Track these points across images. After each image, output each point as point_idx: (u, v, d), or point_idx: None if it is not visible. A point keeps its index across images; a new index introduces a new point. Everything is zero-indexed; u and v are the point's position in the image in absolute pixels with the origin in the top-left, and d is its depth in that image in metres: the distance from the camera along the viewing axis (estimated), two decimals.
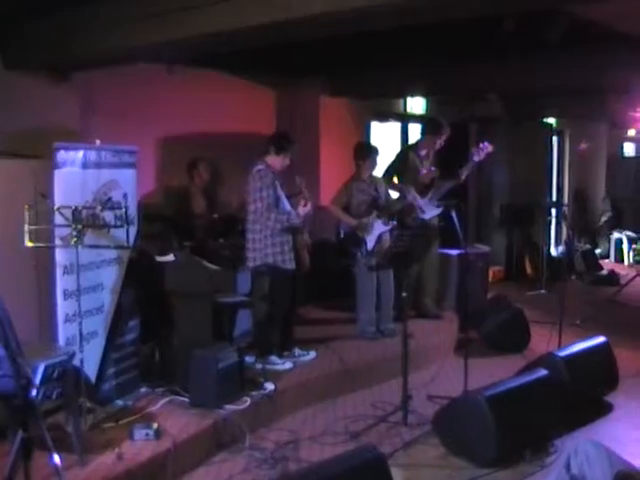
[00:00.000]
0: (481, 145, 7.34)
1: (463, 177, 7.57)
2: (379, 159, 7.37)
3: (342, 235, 7.29)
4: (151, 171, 7.52)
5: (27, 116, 6.02)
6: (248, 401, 5.39)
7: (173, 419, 5.01)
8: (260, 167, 6.11)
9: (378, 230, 7.10)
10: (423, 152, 7.86)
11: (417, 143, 8.13)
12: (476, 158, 7.36)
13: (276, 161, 6.21)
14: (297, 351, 6.50)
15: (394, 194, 7.74)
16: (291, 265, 6.17)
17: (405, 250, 5.51)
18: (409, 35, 6.10)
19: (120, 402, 5.24)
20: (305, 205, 6.03)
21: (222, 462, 4.86)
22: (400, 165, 7.85)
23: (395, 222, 7.22)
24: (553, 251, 13.37)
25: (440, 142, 7.76)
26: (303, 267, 6.46)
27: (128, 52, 5.65)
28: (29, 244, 4.50)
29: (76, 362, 4.49)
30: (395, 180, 7.81)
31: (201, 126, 7.91)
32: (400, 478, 4.59)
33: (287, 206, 6.20)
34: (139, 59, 6.36)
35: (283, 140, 6.28)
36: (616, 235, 14.04)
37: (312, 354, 6.54)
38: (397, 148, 10.50)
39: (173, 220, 7.09)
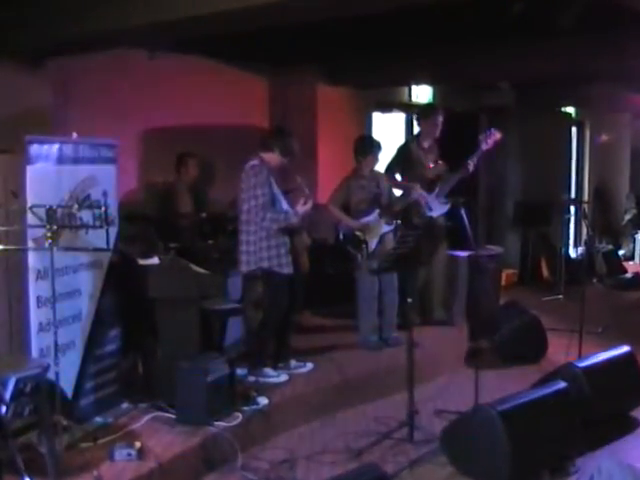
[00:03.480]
0: (488, 132, 7.35)
1: (471, 168, 7.55)
2: (382, 154, 7.35)
3: (341, 236, 7.27)
4: (133, 167, 7.51)
5: None
6: (240, 417, 5.37)
7: (157, 437, 4.98)
8: (254, 163, 6.08)
9: (380, 230, 7.08)
10: (426, 143, 7.86)
11: (418, 135, 8.13)
12: (484, 147, 7.37)
13: (274, 158, 6.18)
14: (293, 362, 6.48)
15: (397, 191, 7.73)
16: (288, 269, 6.14)
17: (410, 252, 5.49)
18: (414, 18, 6.09)
19: (99, 419, 5.21)
20: (305, 203, 6.00)
21: None
22: (402, 160, 7.84)
23: (399, 221, 7.20)
24: (572, 252, 13.36)
25: (438, 127, 7.76)
26: (302, 271, 6.43)
27: (107, 36, 5.66)
28: None
29: (50, 376, 4.47)
30: (398, 176, 7.80)
31: (187, 118, 7.89)
32: None
33: (284, 205, 6.17)
34: (119, 43, 6.35)
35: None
36: None
37: (309, 366, 6.53)
38: (402, 141, 10.49)
39: (157, 220, 7.08)
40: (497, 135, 7.34)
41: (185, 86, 7.87)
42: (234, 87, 8.51)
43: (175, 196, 7.52)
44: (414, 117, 9.15)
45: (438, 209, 7.64)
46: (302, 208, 6.00)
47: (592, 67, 8.36)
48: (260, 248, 6.04)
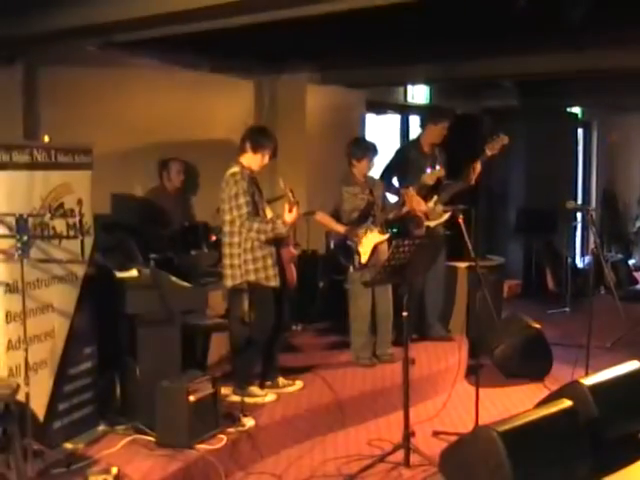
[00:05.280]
0: (495, 137, 7.35)
1: (475, 177, 7.54)
2: (377, 158, 7.34)
3: (332, 246, 7.27)
4: (110, 173, 7.47)
5: None
6: (224, 439, 5.36)
7: (136, 462, 4.96)
8: (234, 170, 6.08)
9: (373, 240, 7.07)
10: (427, 147, 7.86)
11: (418, 138, 8.13)
12: (489, 152, 7.35)
13: (253, 161, 6.18)
14: (281, 381, 6.47)
15: (393, 198, 7.72)
16: (275, 282, 6.14)
17: (405, 263, 5.49)
18: (409, 13, 6.09)
19: (73, 443, 5.19)
20: (291, 210, 5.99)
21: None
22: (400, 164, 7.84)
23: (394, 230, 7.20)
24: (579, 262, 13.40)
25: (443, 132, 7.78)
26: (290, 283, 6.42)
27: (82, 32, 5.65)
28: None
29: (20, 397, 4.46)
30: (395, 182, 7.79)
31: (169, 120, 7.88)
32: None
33: (269, 213, 6.18)
34: (95, 39, 6.35)
35: (260, 135, 6.26)
36: None
37: (298, 384, 6.52)
38: (397, 144, 10.53)
39: (136, 230, 7.06)
40: (504, 139, 7.33)
41: (167, 88, 7.86)
42: (218, 87, 8.51)
43: (156, 204, 7.51)
44: (420, 119, 9.17)
45: (437, 218, 7.64)
46: (289, 216, 5.98)
47: (601, 65, 8.38)
48: (245, 261, 6.04)
